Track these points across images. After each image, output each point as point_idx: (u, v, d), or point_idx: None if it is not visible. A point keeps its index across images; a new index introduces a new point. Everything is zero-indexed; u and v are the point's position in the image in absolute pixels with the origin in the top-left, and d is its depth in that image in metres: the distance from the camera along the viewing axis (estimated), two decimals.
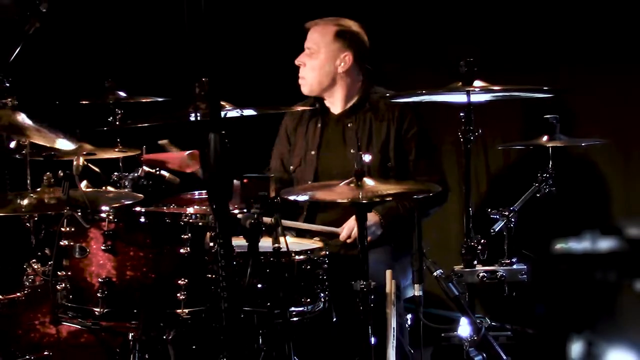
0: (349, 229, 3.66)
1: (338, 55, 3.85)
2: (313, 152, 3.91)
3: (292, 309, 3.15)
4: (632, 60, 4.32)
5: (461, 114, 3.26)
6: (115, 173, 3.56)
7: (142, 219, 3.07)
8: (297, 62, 3.89)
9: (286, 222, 3.68)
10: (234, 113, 3.34)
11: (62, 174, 2.94)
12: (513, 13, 4.64)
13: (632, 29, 4.29)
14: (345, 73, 3.87)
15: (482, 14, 4.72)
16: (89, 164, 3.39)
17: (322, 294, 3.25)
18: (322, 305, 3.25)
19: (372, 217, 3.69)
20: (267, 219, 2.85)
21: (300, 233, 3.74)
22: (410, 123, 3.83)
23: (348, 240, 3.66)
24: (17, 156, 3.48)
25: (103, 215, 2.97)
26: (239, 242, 2.81)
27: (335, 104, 3.93)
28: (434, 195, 3.36)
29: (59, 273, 2.99)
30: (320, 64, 3.85)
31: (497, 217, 3.52)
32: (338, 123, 3.91)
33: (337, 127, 3.90)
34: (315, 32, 3.89)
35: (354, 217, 3.60)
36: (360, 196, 3.00)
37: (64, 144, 3.15)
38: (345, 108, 3.91)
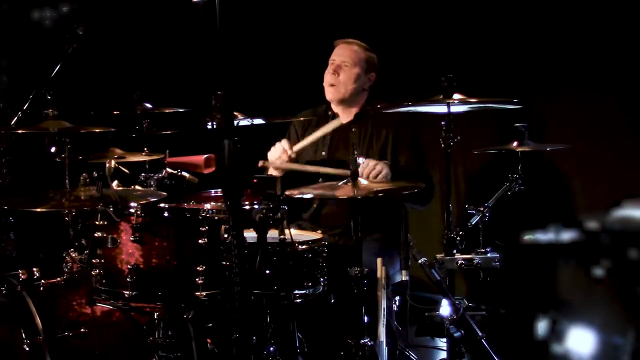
0: (361, 170, 3.48)
1: (368, 73, 3.88)
2: (324, 153, 3.90)
3: (296, 291, 3.15)
4: (590, 78, 4.33)
5: (442, 123, 3.25)
6: (142, 174, 3.56)
7: (166, 214, 3.07)
8: (333, 71, 3.84)
9: (306, 167, 3.68)
10: (245, 122, 3.34)
11: (96, 175, 2.94)
12: (489, 35, 4.65)
13: (590, 50, 4.30)
14: (368, 89, 3.91)
15: (462, 36, 4.73)
16: (120, 166, 3.39)
17: (321, 279, 3.24)
18: (321, 288, 3.25)
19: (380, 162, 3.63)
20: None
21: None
22: (406, 128, 3.83)
23: (364, 177, 3.44)
24: (57, 159, 3.48)
25: (132, 210, 2.97)
26: (249, 233, 2.81)
27: (348, 113, 3.93)
28: (421, 192, 3.35)
29: (93, 261, 3.00)
30: (356, 77, 3.85)
31: (474, 212, 3.52)
32: (346, 130, 3.90)
33: (345, 134, 3.90)
34: (350, 50, 3.89)
35: (366, 161, 3.57)
36: (355, 193, 3.01)
37: None
38: (351, 119, 3.91)
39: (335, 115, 3.95)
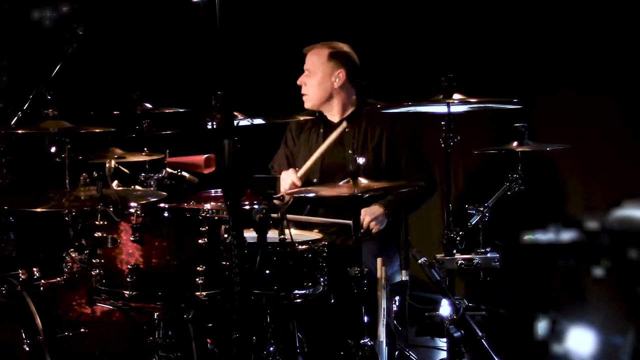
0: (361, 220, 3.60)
1: (333, 73, 3.88)
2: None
3: (296, 291, 3.15)
4: (590, 78, 4.33)
5: (442, 123, 3.25)
6: (142, 174, 3.55)
7: (166, 214, 3.06)
8: (298, 82, 3.94)
9: (301, 218, 3.70)
10: (245, 122, 3.34)
11: (96, 175, 2.94)
12: (489, 35, 4.65)
13: (590, 50, 4.30)
14: (340, 88, 3.90)
15: (462, 36, 4.73)
16: (120, 166, 3.39)
17: (321, 279, 3.25)
18: (321, 288, 3.25)
19: (377, 210, 3.71)
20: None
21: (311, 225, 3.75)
22: (402, 129, 3.84)
23: (361, 230, 3.56)
24: (57, 159, 3.48)
25: (132, 210, 2.96)
26: (249, 233, 2.81)
27: (334, 114, 3.95)
28: (425, 188, 3.38)
29: (93, 260, 2.99)
30: (319, 82, 3.88)
31: (473, 212, 3.52)
32: (337, 129, 3.91)
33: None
34: (312, 56, 3.92)
35: (364, 209, 3.61)
36: (355, 191, 3.01)
37: None
38: (343, 117, 3.92)
39: (326, 118, 3.96)
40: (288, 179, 3.78)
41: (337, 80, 3.88)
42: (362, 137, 3.85)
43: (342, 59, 3.90)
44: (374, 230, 3.69)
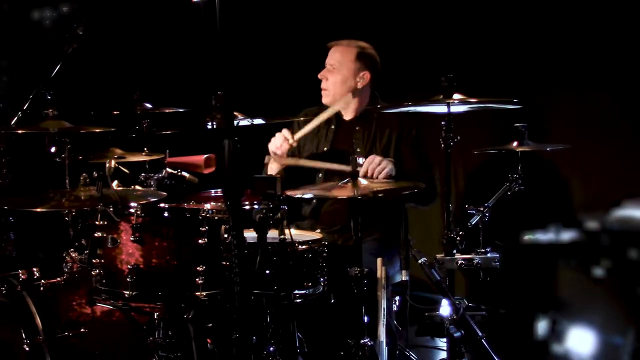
0: (366, 167, 3.56)
1: (358, 73, 3.85)
2: (326, 149, 3.90)
3: (296, 291, 3.15)
4: (590, 78, 4.33)
5: (442, 123, 3.25)
6: (142, 174, 3.56)
7: (166, 214, 3.07)
8: (320, 76, 3.89)
9: (302, 162, 3.70)
10: (245, 122, 3.34)
11: (96, 175, 2.94)
12: (489, 35, 4.65)
13: (591, 50, 4.30)
14: (362, 89, 3.88)
15: (462, 36, 4.73)
16: (120, 166, 3.39)
17: (321, 279, 3.24)
18: (321, 288, 3.25)
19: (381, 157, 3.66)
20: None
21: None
22: (410, 128, 3.83)
23: (368, 174, 3.54)
24: (57, 159, 3.48)
25: (132, 210, 2.97)
26: (249, 233, 2.81)
27: (348, 112, 3.93)
28: (424, 193, 3.36)
29: (93, 260, 3.00)
30: (343, 79, 3.84)
31: (474, 212, 3.52)
32: (348, 127, 3.91)
33: (347, 130, 3.90)
34: (338, 52, 3.88)
35: (371, 157, 3.58)
36: (355, 193, 3.01)
37: None
38: (355, 115, 3.92)
39: (339, 115, 3.95)
40: (280, 136, 3.72)
41: (361, 81, 3.85)
42: (372, 139, 3.83)
43: (369, 62, 3.87)
44: (382, 175, 3.55)
